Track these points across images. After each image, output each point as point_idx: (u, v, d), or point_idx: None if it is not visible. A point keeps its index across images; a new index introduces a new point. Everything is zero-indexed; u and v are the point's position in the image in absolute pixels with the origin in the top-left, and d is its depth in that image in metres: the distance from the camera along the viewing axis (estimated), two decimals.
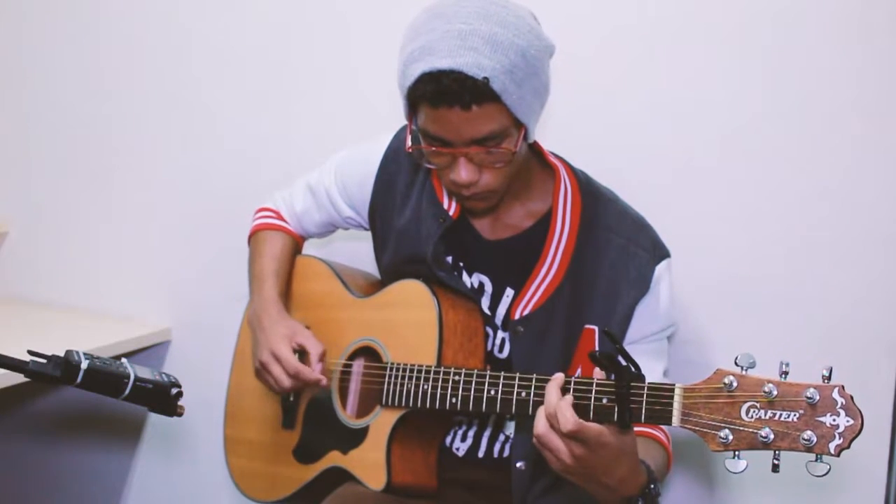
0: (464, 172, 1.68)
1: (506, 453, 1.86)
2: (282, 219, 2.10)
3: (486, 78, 1.59)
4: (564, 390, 1.51)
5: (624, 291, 1.78)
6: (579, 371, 1.75)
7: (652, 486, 1.54)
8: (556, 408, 1.45)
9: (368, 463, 1.82)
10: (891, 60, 1.96)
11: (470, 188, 1.71)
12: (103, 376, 1.41)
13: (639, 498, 1.52)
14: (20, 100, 2.78)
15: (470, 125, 1.63)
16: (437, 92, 1.61)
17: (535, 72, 1.65)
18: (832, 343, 2.00)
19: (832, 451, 1.35)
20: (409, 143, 1.72)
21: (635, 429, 1.53)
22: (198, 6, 2.55)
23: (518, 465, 1.79)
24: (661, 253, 1.82)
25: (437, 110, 1.63)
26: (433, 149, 1.69)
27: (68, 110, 2.71)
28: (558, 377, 1.52)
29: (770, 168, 2.06)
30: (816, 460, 1.36)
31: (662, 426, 1.76)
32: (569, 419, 1.43)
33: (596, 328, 1.78)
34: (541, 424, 1.47)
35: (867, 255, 2.00)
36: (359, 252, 2.19)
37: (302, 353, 1.90)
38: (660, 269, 1.80)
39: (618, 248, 1.80)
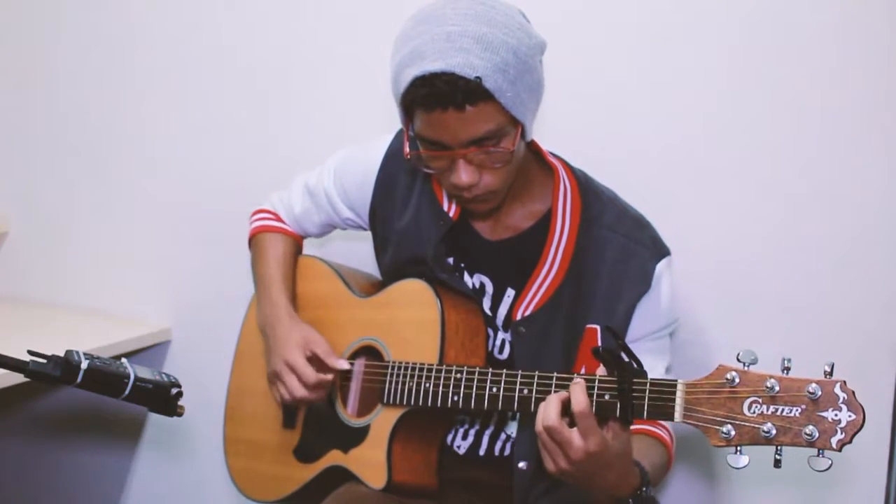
0: (464, 175, 1.68)
1: (507, 452, 1.86)
2: (281, 220, 2.09)
3: (478, 77, 1.58)
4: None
5: (625, 290, 1.78)
6: (583, 371, 1.75)
7: (644, 488, 1.55)
8: (570, 391, 1.46)
9: (369, 462, 1.82)
10: (891, 60, 1.96)
11: (471, 190, 1.70)
12: (103, 376, 1.41)
13: (629, 499, 1.54)
14: (20, 99, 2.77)
15: (466, 126, 1.63)
16: (429, 95, 1.60)
17: (528, 68, 1.64)
18: (833, 342, 2.00)
19: (834, 446, 1.35)
20: (406, 149, 1.71)
21: (639, 426, 1.53)
22: (199, 7, 2.55)
23: (520, 465, 1.79)
24: (661, 250, 1.82)
25: (431, 114, 1.63)
26: (431, 153, 1.69)
27: (68, 110, 2.71)
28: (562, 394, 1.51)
29: (771, 167, 2.06)
30: (818, 455, 1.36)
31: (666, 424, 1.76)
32: (581, 401, 1.45)
33: (598, 327, 1.77)
34: (552, 416, 1.47)
35: (868, 254, 2.00)
36: (359, 252, 2.19)
37: (313, 360, 1.89)
38: (660, 266, 1.80)
39: (618, 247, 1.79)
